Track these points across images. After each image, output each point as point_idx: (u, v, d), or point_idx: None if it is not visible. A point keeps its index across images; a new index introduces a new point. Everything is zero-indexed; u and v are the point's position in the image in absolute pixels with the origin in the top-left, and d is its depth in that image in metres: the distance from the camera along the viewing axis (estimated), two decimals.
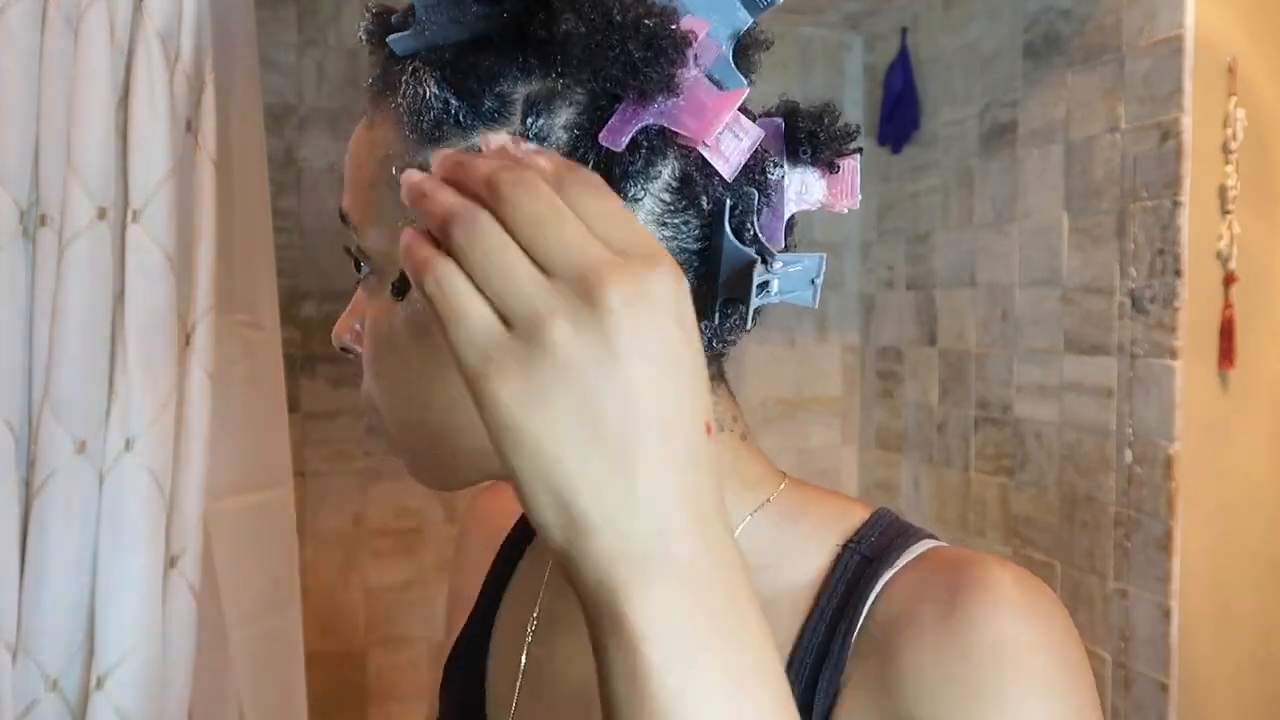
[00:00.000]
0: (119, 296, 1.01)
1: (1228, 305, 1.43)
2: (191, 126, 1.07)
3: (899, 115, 2.03)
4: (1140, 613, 1.47)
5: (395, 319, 0.46)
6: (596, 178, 0.34)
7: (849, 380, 2.27)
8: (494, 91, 0.42)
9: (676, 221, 0.43)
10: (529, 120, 0.42)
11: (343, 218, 0.48)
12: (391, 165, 0.44)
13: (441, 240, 0.33)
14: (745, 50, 0.46)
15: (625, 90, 0.40)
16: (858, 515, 0.48)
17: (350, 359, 0.51)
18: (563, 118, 0.42)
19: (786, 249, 0.48)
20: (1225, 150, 1.42)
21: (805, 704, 0.42)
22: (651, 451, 0.31)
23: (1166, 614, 1.42)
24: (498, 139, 0.36)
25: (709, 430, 0.33)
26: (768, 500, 0.49)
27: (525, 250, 0.32)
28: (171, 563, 1.04)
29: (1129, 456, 1.50)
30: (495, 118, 0.42)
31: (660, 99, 0.41)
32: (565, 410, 0.30)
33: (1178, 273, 1.40)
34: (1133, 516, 1.49)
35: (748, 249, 0.43)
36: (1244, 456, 1.48)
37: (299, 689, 1.31)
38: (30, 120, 0.98)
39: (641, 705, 0.30)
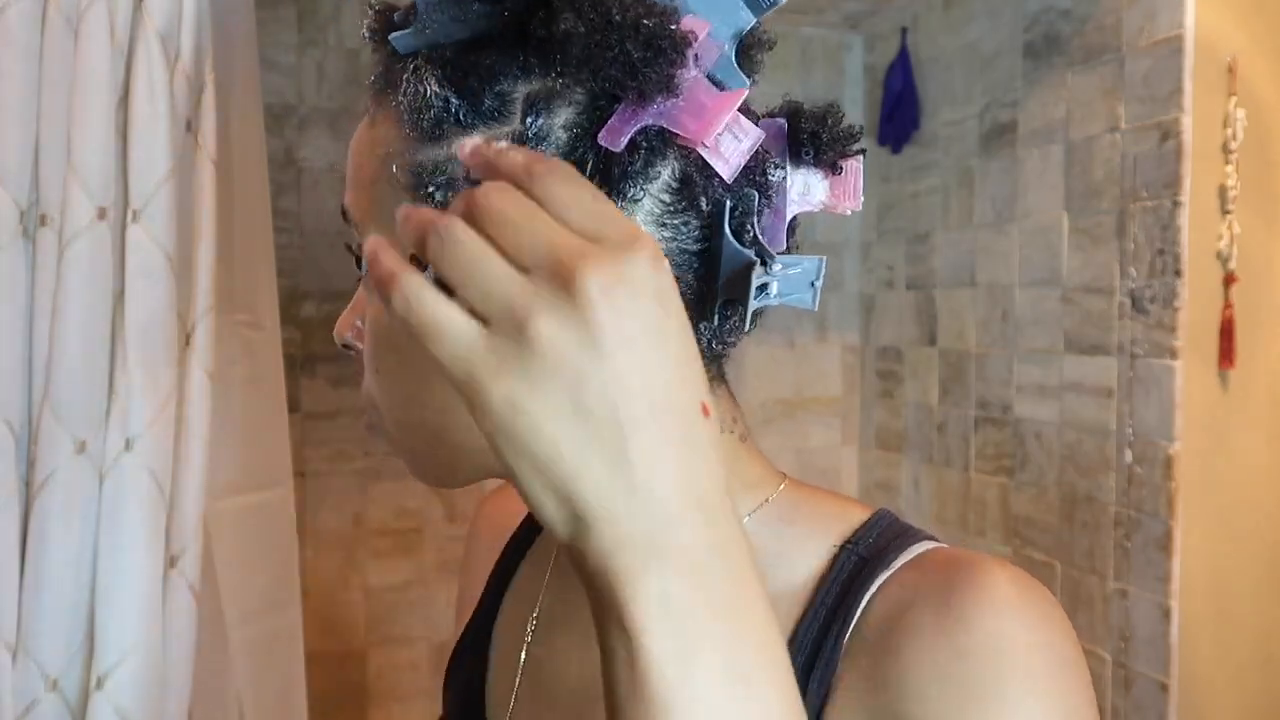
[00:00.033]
0: (119, 296, 1.01)
1: (1228, 305, 1.43)
2: (191, 126, 1.07)
3: (899, 115, 2.03)
4: (1140, 613, 1.47)
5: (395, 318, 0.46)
6: (567, 166, 0.34)
7: (849, 380, 2.27)
8: (494, 90, 0.42)
9: (676, 222, 0.43)
10: (528, 119, 0.42)
11: (344, 215, 0.48)
12: (392, 163, 0.44)
13: (420, 255, 0.33)
14: (748, 50, 0.45)
15: (624, 90, 0.40)
16: (857, 516, 0.48)
17: (352, 356, 0.51)
18: (562, 117, 0.42)
19: (788, 250, 0.48)
20: (1225, 150, 1.42)
21: None
22: (645, 438, 0.31)
23: (1166, 614, 1.42)
24: (471, 142, 0.36)
25: (706, 411, 0.33)
26: (767, 501, 0.49)
27: (502, 250, 0.32)
28: (171, 563, 1.04)
29: (1129, 456, 1.50)
30: (495, 116, 0.42)
31: (659, 99, 0.40)
32: (557, 406, 0.30)
33: (1178, 273, 1.40)
34: (1133, 516, 1.49)
35: (747, 251, 0.43)
36: (1244, 456, 1.48)
37: (299, 689, 1.31)
38: (30, 120, 0.98)
39: (642, 696, 0.30)
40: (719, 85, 0.43)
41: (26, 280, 0.99)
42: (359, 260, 0.48)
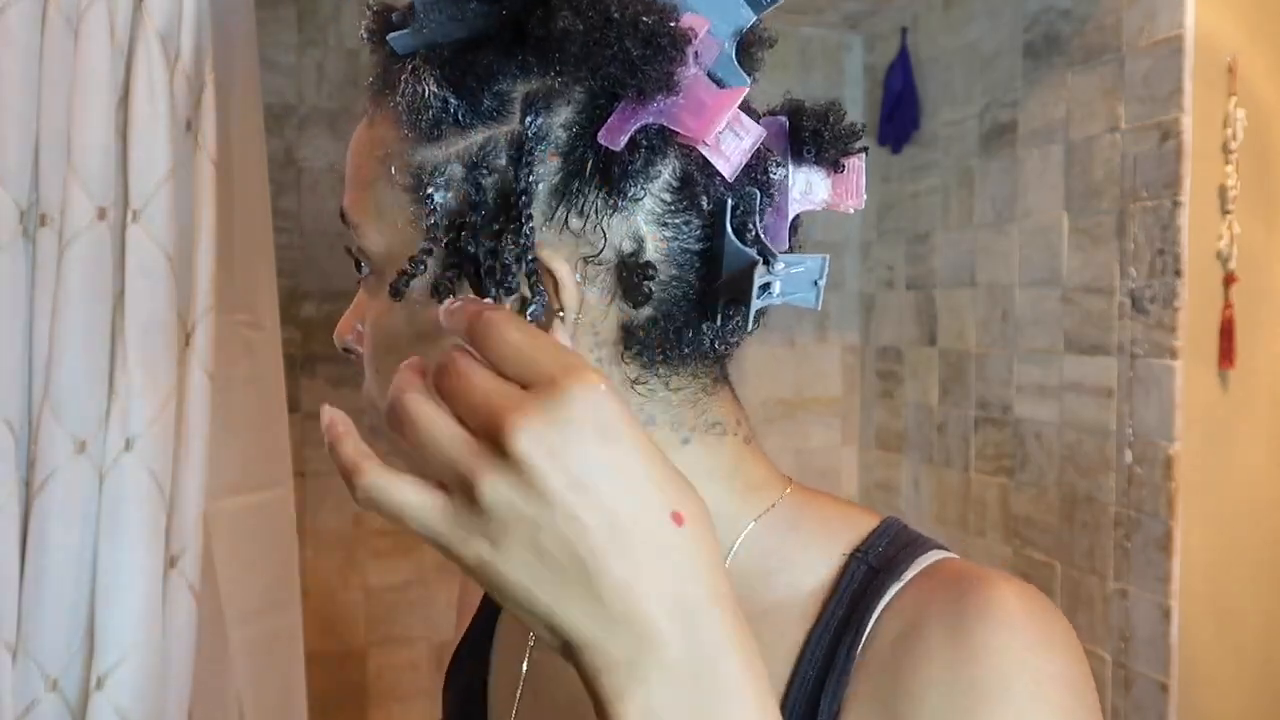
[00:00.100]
0: (119, 296, 1.01)
1: (1228, 305, 1.43)
2: (191, 126, 1.07)
3: (899, 115, 2.03)
4: (1140, 613, 1.47)
5: (395, 319, 0.46)
6: (504, 312, 0.35)
7: (849, 380, 2.27)
8: (493, 90, 0.42)
9: (677, 221, 0.43)
10: (528, 119, 0.42)
11: (343, 217, 0.48)
12: (391, 164, 0.44)
13: (389, 432, 0.35)
14: (748, 48, 0.45)
15: (624, 88, 0.40)
16: (865, 524, 0.48)
17: (352, 359, 0.51)
18: (561, 116, 0.42)
19: (790, 249, 0.47)
20: (1225, 150, 1.42)
21: (809, 715, 0.42)
22: (615, 566, 0.32)
23: (1166, 614, 1.42)
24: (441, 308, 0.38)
25: (679, 520, 0.33)
26: (773, 506, 0.48)
27: (456, 413, 0.34)
28: (171, 563, 1.04)
29: (1129, 456, 1.50)
30: (494, 116, 0.42)
31: (659, 97, 0.40)
32: (521, 559, 0.32)
33: (1178, 273, 1.40)
34: (1133, 517, 1.49)
35: (749, 250, 0.43)
36: (1244, 456, 1.48)
37: (299, 689, 1.31)
38: (30, 120, 0.98)
39: None
40: (719, 83, 0.43)
41: (26, 280, 0.98)
42: (359, 263, 0.48)
